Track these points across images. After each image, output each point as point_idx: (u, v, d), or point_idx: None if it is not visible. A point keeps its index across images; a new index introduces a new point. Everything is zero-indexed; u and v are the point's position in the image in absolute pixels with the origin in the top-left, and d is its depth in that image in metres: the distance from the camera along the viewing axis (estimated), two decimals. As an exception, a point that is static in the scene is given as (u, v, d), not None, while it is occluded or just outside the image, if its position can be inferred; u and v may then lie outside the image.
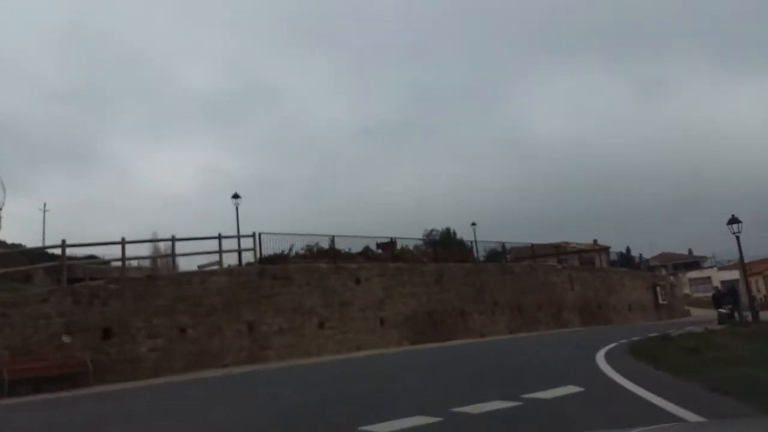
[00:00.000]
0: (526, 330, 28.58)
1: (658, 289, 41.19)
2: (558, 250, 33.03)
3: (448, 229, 39.60)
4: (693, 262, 68.47)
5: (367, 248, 23.68)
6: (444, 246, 27.01)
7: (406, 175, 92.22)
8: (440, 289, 24.76)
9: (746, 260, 29.23)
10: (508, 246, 29.56)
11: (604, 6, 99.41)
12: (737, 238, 24.31)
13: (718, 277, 61.15)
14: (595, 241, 46.97)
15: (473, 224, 33.55)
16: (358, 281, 21.25)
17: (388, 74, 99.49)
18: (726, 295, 23.21)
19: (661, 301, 41.03)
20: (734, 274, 62.77)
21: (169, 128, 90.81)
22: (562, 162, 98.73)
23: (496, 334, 26.85)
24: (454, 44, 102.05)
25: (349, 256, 22.18)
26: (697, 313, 49.15)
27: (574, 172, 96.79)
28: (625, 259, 43.76)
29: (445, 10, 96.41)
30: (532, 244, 30.89)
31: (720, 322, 21.39)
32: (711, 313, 49.47)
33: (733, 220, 24.19)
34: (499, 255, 29.10)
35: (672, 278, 50.04)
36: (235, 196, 21.54)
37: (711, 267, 61.89)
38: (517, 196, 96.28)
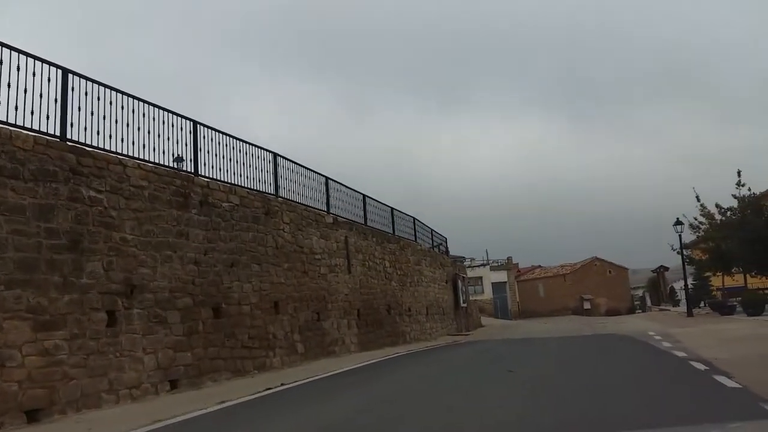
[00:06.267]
0: (234, 373, 10.03)
1: (460, 283, 26.53)
2: (327, 188, 15.34)
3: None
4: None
5: None
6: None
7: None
8: None
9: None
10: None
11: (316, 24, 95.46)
12: None
13: (490, 277, 51.53)
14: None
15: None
16: None
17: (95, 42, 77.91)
18: None
19: (462, 303, 26.41)
20: (503, 276, 54.34)
21: None
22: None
23: (133, 398, 7.70)
24: (173, 30, 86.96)
25: None
26: (487, 321, 36.75)
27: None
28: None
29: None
30: (275, 154, 12.61)
31: None
32: (509, 324, 37.22)
33: None
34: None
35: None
36: None
37: (482, 266, 51.51)
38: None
